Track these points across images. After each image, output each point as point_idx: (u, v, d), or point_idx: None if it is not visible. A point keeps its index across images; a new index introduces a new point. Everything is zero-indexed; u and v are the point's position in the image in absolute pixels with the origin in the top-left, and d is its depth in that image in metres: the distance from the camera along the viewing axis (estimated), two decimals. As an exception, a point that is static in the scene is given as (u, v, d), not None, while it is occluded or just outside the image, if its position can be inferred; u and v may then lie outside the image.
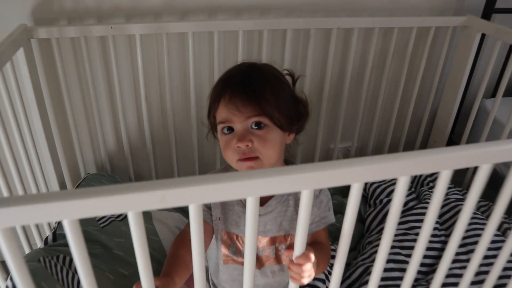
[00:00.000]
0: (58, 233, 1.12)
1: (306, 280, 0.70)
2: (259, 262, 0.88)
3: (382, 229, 1.22)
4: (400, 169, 0.63)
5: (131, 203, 0.52)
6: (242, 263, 0.87)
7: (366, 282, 1.04)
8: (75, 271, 1.00)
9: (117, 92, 1.32)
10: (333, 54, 1.45)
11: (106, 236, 1.14)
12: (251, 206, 0.58)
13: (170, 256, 0.79)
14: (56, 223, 1.17)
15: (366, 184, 1.39)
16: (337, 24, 1.38)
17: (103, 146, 1.42)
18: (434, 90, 1.62)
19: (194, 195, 0.54)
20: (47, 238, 1.12)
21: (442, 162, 0.65)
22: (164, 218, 1.27)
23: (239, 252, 0.87)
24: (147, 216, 1.26)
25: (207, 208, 0.88)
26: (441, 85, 1.68)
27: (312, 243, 0.86)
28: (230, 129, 0.79)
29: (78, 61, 1.29)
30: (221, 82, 0.81)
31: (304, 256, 0.66)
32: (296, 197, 0.86)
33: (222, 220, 0.86)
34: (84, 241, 0.53)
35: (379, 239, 1.17)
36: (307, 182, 0.59)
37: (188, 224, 0.86)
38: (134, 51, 1.30)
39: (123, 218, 1.22)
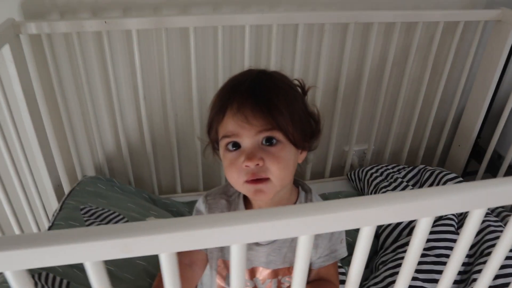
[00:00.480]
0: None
1: None
2: None
3: (397, 247, 1.11)
4: (425, 209, 0.52)
5: (88, 253, 0.43)
6: None
7: (378, 311, 0.94)
8: (60, 291, 0.93)
9: (114, 91, 1.23)
10: (350, 51, 1.32)
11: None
12: (236, 255, 0.48)
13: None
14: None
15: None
16: (354, 18, 1.25)
17: (100, 148, 1.34)
18: (460, 90, 1.49)
19: (164, 244, 0.45)
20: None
21: (473, 200, 0.54)
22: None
23: None
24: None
25: None
26: (468, 85, 1.54)
27: (318, 280, 0.76)
28: (236, 145, 0.68)
29: (72, 59, 1.20)
30: (227, 90, 0.70)
31: None
32: None
33: (219, 247, 0.76)
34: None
35: (394, 259, 1.06)
36: (307, 227, 0.49)
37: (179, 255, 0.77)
38: (131, 48, 1.20)
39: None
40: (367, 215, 0.50)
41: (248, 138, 0.66)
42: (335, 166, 1.62)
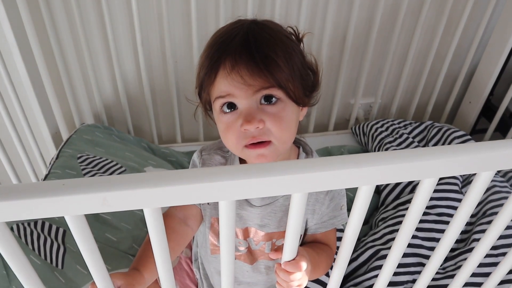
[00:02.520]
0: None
1: None
2: (252, 257, 0.76)
3: (398, 204, 1.10)
4: (428, 169, 0.49)
5: (67, 207, 0.41)
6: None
7: (375, 268, 0.93)
8: (55, 238, 0.92)
9: (110, 35, 1.18)
10: (361, -3, 1.24)
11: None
12: (225, 213, 0.46)
13: (142, 248, 0.68)
14: (42, 180, 1.08)
15: (381, 151, 1.24)
16: (367, -38, 1.16)
17: (98, 95, 1.30)
18: (476, 43, 1.41)
19: (145, 199, 0.42)
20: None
21: (481, 162, 0.50)
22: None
23: None
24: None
25: None
26: (484, 38, 1.46)
27: (313, 242, 0.74)
28: (232, 106, 0.62)
29: (66, 2, 1.13)
30: (217, 47, 0.62)
31: (294, 264, 0.55)
32: None
33: (212, 205, 0.73)
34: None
35: (394, 217, 1.05)
36: (300, 184, 0.45)
37: (167, 211, 0.74)
38: (127, -11, 1.13)
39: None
40: (366, 174, 0.46)
41: (245, 98, 0.60)
42: (340, 119, 1.57)
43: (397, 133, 1.32)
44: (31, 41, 1.13)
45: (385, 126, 1.36)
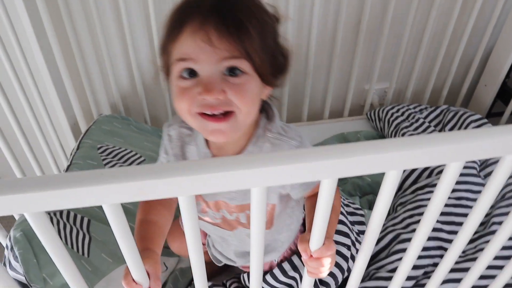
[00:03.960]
0: (64, 183, 1.05)
1: (325, 274, 0.59)
2: (229, 225, 0.75)
3: (417, 189, 1.10)
4: (452, 153, 0.49)
5: (105, 196, 0.42)
6: (212, 224, 0.76)
7: (396, 252, 0.94)
8: (80, 227, 0.94)
9: (126, 24, 1.18)
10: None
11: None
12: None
13: (141, 224, 0.68)
14: (64, 171, 1.10)
15: (398, 136, 1.24)
16: None
17: (115, 85, 1.31)
18: (492, 25, 1.40)
19: (179, 187, 0.43)
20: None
21: (507, 146, 0.50)
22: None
23: (205, 212, 0.74)
24: (160, 165, 1.17)
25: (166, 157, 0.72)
26: (500, 20, 1.44)
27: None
28: (192, 73, 0.56)
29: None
30: (186, 4, 0.58)
31: (324, 249, 0.55)
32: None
33: None
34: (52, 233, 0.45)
35: (414, 201, 1.05)
36: (330, 171, 0.46)
37: None
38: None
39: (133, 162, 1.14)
40: (394, 159, 0.47)
41: (209, 65, 0.55)
42: (355, 105, 1.57)
43: (413, 118, 1.32)
44: (48, 34, 1.14)
45: (401, 111, 1.36)
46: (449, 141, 0.47)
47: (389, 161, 0.46)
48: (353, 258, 0.88)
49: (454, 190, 1.05)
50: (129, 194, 0.42)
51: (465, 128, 1.28)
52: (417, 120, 1.30)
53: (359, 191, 1.18)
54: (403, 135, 1.23)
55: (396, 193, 1.15)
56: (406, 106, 1.39)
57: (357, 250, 0.93)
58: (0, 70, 0.98)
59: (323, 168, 0.45)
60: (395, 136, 1.27)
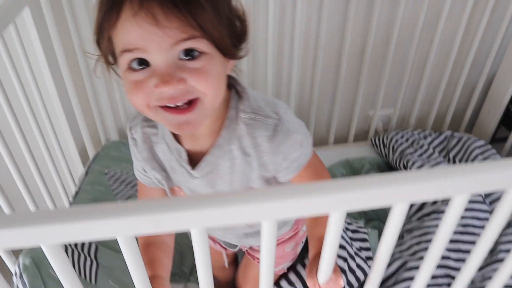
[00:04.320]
0: (72, 209, 1.06)
1: None
2: None
3: (423, 215, 1.10)
4: (457, 187, 0.50)
5: (121, 229, 0.44)
6: None
7: (404, 280, 0.94)
8: (88, 254, 0.95)
9: (135, 54, 1.21)
10: (378, 12, 1.26)
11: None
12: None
13: (147, 246, 0.66)
14: (72, 196, 1.12)
15: (402, 162, 1.25)
16: (384, -23, 1.18)
17: (123, 111, 1.33)
18: (494, 52, 1.42)
19: (194, 220, 0.44)
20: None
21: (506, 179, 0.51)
22: (185, 193, 1.19)
23: None
24: (167, 191, 1.18)
25: (143, 171, 0.68)
26: (502, 47, 1.46)
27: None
28: (143, 62, 0.49)
29: (92, 19, 1.17)
30: None
31: (333, 283, 0.55)
32: (240, 144, 0.60)
33: (166, 179, 0.66)
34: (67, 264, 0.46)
35: (420, 227, 1.05)
36: (338, 205, 0.47)
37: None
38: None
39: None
40: (400, 192, 0.48)
41: (160, 52, 0.48)
42: (359, 131, 1.59)
43: (417, 144, 1.33)
44: (60, 62, 1.17)
45: (405, 137, 1.38)
46: (454, 174, 0.49)
47: (396, 194, 0.48)
48: (352, 271, 0.88)
49: (460, 218, 1.05)
50: (144, 227, 0.43)
51: (469, 154, 1.29)
52: (421, 147, 1.31)
53: (364, 216, 1.19)
54: (407, 162, 1.24)
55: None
56: (410, 132, 1.41)
57: (357, 264, 0.93)
58: (12, 94, 1.00)
59: (332, 202, 0.46)
60: (399, 162, 1.28)
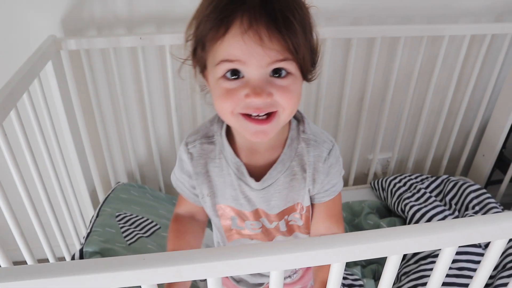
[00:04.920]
0: (85, 251, 1.11)
1: None
2: (268, 235, 0.75)
3: (419, 259, 1.14)
4: (446, 240, 0.56)
5: (145, 278, 0.49)
6: (249, 236, 0.75)
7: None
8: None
9: (147, 102, 1.29)
10: (376, 63, 1.35)
11: (132, 254, 1.12)
12: (275, 280, 0.53)
13: (178, 236, 0.74)
14: (84, 238, 1.16)
15: (400, 206, 1.30)
16: (381, 33, 1.27)
17: (133, 155, 1.40)
18: (486, 100, 1.50)
19: (212, 270, 0.50)
20: (73, 256, 1.11)
21: (495, 232, 0.57)
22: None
23: (243, 223, 0.74)
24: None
25: (190, 187, 0.72)
26: (494, 94, 1.54)
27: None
28: (236, 73, 0.56)
29: (108, 72, 1.26)
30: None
31: None
32: (301, 161, 0.68)
33: (211, 194, 0.71)
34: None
35: (417, 271, 1.09)
36: (338, 257, 0.52)
37: (174, 215, 0.78)
38: (164, 62, 1.25)
39: (150, 234, 1.20)
40: (395, 245, 0.53)
41: (258, 68, 0.54)
42: (359, 174, 1.64)
43: (414, 188, 1.38)
44: (75, 108, 1.25)
45: (403, 181, 1.43)
46: (443, 229, 0.54)
47: (391, 247, 0.53)
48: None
49: (455, 261, 1.09)
50: (167, 276, 0.48)
51: (465, 198, 1.34)
52: (418, 191, 1.36)
53: (364, 260, 1.22)
54: (405, 206, 1.29)
55: (400, 262, 1.19)
56: (408, 176, 1.47)
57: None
58: (32, 138, 1.06)
59: (332, 255, 0.51)
60: (397, 206, 1.33)
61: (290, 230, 0.75)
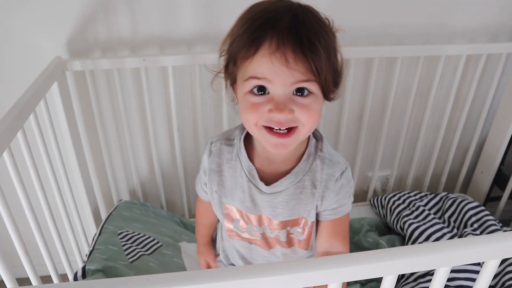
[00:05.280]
0: (87, 269, 1.12)
1: None
2: (267, 244, 0.79)
3: (419, 277, 1.15)
4: (440, 261, 0.57)
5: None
6: (248, 240, 0.80)
7: None
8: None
9: (150, 122, 1.31)
10: (374, 83, 1.37)
11: (134, 272, 1.13)
12: None
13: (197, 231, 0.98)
14: (86, 256, 1.17)
15: (399, 224, 1.31)
16: (379, 53, 1.30)
17: (135, 173, 1.42)
18: (483, 117, 1.52)
19: None
20: (76, 274, 1.12)
21: (488, 253, 0.58)
22: (193, 253, 1.24)
23: (244, 229, 0.78)
24: (176, 250, 1.24)
25: (204, 185, 0.80)
26: (491, 112, 1.57)
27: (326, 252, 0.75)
28: (262, 89, 0.61)
29: (112, 92, 1.29)
30: (261, 20, 0.59)
31: None
32: (313, 177, 0.71)
33: (219, 194, 0.77)
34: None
35: (416, 290, 1.10)
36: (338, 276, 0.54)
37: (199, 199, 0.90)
38: (167, 82, 1.28)
39: (152, 252, 1.21)
40: (390, 266, 0.55)
41: (282, 86, 0.59)
42: (359, 191, 1.66)
43: (413, 206, 1.40)
44: (79, 127, 1.27)
45: (402, 198, 1.45)
46: (437, 250, 0.56)
47: (386, 268, 0.55)
48: None
49: (454, 279, 1.10)
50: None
51: (464, 215, 1.36)
52: (417, 208, 1.38)
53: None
54: (404, 223, 1.30)
55: (399, 280, 1.20)
56: (407, 193, 1.48)
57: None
58: (37, 156, 1.08)
59: (330, 275, 0.53)
60: (396, 224, 1.34)
61: (289, 243, 0.78)
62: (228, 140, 0.76)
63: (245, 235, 0.79)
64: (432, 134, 1.58)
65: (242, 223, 0.77)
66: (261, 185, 0.72)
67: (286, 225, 0.75)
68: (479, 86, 1.49)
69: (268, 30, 0.58)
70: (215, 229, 0.98)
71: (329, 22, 0.65)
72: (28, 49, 1.18)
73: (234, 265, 0.90)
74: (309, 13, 0.61)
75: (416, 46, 1.32)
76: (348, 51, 1.27)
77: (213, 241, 1.00)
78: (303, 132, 0.64)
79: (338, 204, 0.73)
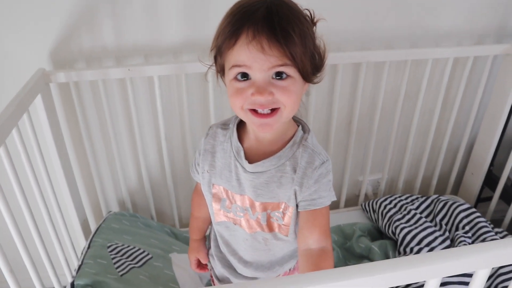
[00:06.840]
0: (76, 284, 1.10)
1: None
2: (250, 226, 0.82)
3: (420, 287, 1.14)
4: (431, 273, 0.56)
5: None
6: (233, 220, 0.83)
7: None
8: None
9: (137, 132, 1.30)
10: (363, 87, 1.37)
11: (124, 286, 1.11)
12: None
13: (190, 223, 0.99)
14: (75, 270, 1.15)
15: (391, 229, 1.31)
16: (366, 58, 1.30)
17: (124, 184, 1.40)
18: (472, 119, 1.52)
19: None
20: (64, 289, 1.10)
21: (478, 263, 0.58)
22: (184, 264, 1.23)
23: (229, 208, 0.82)
24: (167, 262, 1.22)
25: (197, 165, 0.85)
26: (479, 114, 1.57)
27: (314, 253, 0.75)
28: (245, 76, 0.67)
29: (97, 103, 1.27)
30: (239, 15, 0.66)
31: None
32: (294, 163, 0.75)
33: (210, 173, 0.82)
34: None
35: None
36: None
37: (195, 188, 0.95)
38: (153, 92, 1.27)
39: (142, 264, 1.19)
40: (379, 280, 0.54)
41: (260, 71, 0.65)
42: (350, 196, 1.65)
43: (405, 209, 1.39)
44: (65, 138, 1.25)
45: (393, 202, 1.44)
46: (427, 262, 0.55)
47: (375, 283, 0.54)
48: None
49: (448, 283, 1.10)
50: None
51: (455, 217, 1.36)
52: (408, 212, 1.37)
53: None
54: (395, 228, 1.30)
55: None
56: (398, 197, 1.48)
57: None
58: (21, 170, 1.06)
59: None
60: (388, 228, 1.33)
61: (270, 227, 0.81)
62: (224, 125, 0.83)
63: (231, 214, 0.83)
64: (422, 137, 1.58)
65: (228, 203, 0.82)
66: (245, 163, 0.77)
67: (266, 207, 0.78)
68: (466, 88, 1.50)
69: (245, 22, 0.65)
70: (209, 224, 0.99)
71: (310, 14, 0.71)
72: (10, 60, 1.16)
73: (221, 254, 0.93)
74: (283, 4, 0.67)
75: (404, 50, 1.31)
76: (335, 57, 1.28)
77: (205, 239, 1.02)
78: (285, 112, 0.69)
79: (317, 195, 0.76)
